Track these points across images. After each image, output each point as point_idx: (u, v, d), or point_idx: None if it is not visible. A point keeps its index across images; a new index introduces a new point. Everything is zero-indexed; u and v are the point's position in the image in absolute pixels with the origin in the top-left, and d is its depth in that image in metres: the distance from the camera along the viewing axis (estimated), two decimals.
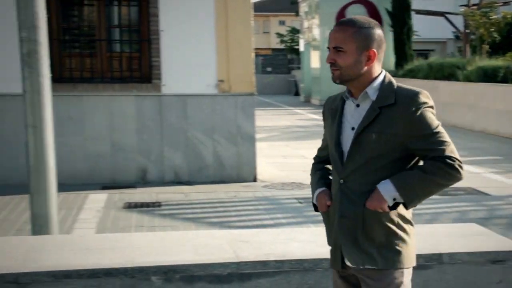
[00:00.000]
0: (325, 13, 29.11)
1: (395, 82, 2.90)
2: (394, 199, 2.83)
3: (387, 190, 2.82)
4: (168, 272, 4.09)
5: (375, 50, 2.83)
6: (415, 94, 2.82)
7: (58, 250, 4.44)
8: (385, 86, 2.86)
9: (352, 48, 2.80)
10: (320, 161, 3.20)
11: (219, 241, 4.60)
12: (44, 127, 5.37)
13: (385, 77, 2.90)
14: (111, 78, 9.43)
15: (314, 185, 3.12)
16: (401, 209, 2.88)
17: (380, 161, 2.85)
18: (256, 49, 7.81)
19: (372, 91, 2.86)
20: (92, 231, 6.84)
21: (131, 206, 7.98)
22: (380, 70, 2.90)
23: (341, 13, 28.27)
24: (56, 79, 8.47)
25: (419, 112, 2.80)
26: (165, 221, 7.33)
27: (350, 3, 28.93)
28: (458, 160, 2.81)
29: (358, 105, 2.90)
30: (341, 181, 2.91)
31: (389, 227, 2.87)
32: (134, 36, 9.71)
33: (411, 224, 2.94)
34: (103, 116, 9.32)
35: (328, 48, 2.87)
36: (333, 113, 2.99)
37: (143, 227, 7.00)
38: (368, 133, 2.83)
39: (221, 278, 4.13)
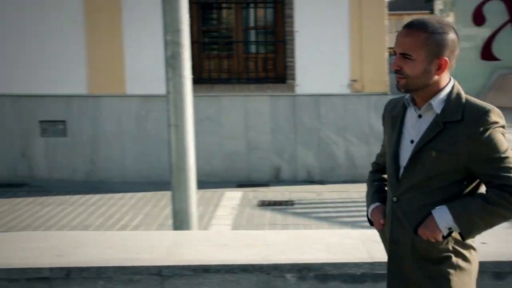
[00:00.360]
0: (461, 10, 28.17)
1: (464, 94, 2.59)
2: (450, 228, 2.52)
3: (443, 218, 2.51)
4: (302, 270, 4.13)
5: (447, 58, 2.52)
6: (486, 112, 2.49)
7: (197, 245, 4.60)
8: (453, 99, 2.55)
9: (422, 56, 2.50)
10: (378, 169, 2.94)
11: (352, 241, 4.59)
12: (185, 127, 5.57)
13: (453, 87, 2.59)
14: (247, 78, 9.62)
15: (369, 198, 2.86)
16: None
17: (438, 182, 2.54)
18: (390, 48, 7.71)
19: (437, 102, 2.56)
20: (228, 227, 7.02)
21: (265, 204, 8.11)
22: (448, 79, 2.60)
23: (478, 11, 27.32)
24: (196, 80, 8.75)
25: (487, 133, 2.47)
26: (298, 219, 7.40)
27: (488, 0, 27.93)
28: None
29: (420, 116, 2.60)
30: (394, 199, 2.64)
31: (444, 256, 2.57)
32: (270, 37, 9.86)
33: (473, 249, 2.63)
34: (239, 115, 9.53)
35: (394, 52, 2.58)
36: (393, 120, 2.70)
37: (277, 225, 7.10)
38: (428, 150, 2.53)
39: (355, 278, 4.13)
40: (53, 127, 9.10)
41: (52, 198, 7.98)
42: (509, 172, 2.48)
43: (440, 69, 2.53)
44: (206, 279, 4.10)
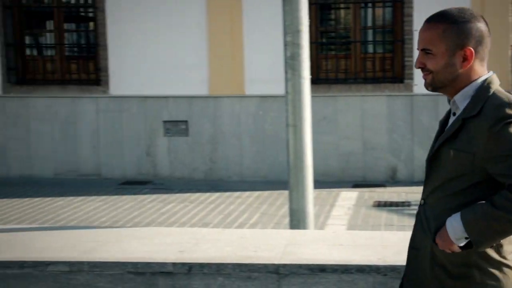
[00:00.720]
0: None
1: (496, 88, 2.31)
2: (466, 238, 2.25)
3: (454, 228, 2.26)
4: None
5: (472, 48, 2.28)
6: (502, 104, 2.22)
7: (313, 245, 4.63)
8: (479, 93, 2.29)
9: (442, 49, 2.29)
10: None
11: None
12: (303, 127, 5.61)
13: (485, 81, 2.32)
14: (364, 78, 9.56)
15: None
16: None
17: (458, 184, 2.30)
18: None
19: (461, 98, 2.33)
20: (343, 227, 7.01)
21: (381, 205, 8.04)
22: (483, 71, 2.34)
23: None
24: (313, 80, 8.79)
25: (502, 128, 2.19)
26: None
27: None
28: None
29: (454, 114, 2.38)
30: (422, 201, 2.44)
31: (465, 272, 2.29)
32: (388, 37, 9.75)
33: (507, 267, 2.28)
34: (355, 115, 9.49)
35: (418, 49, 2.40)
36: (440, 126, 2.48)
37: (393, 226, 7.02)
38: (447, 149, 2.31)
39: None
40: (176, 127, 9.40)
41: (174, 195, 8.26)
42: None
43: (466, 60, 2.29)
44: (322, 279, 4.12)
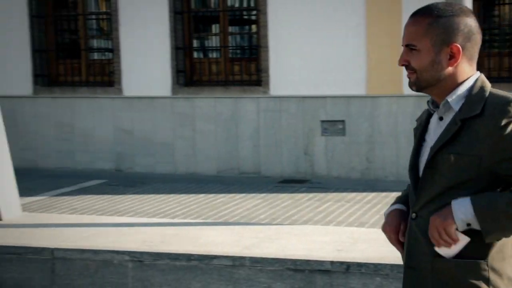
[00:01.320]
0: None
1: (490, 87, 2.14)
2: (469, 225, 2.02)
3: (461, 209, 2.02)
4: None
5: (459, 44, 2.09)
6: (508, 102, 2.04)
7: None
8: (474, 93, 2.11)
9: (427, 44, 2.10)
10: None
11: None
12: None
13: (476, 81, 2.14)
14: None
15: (396, 199, 2.43)
16: (495, 260, 2.04)
17: (460, 192, 2.06)
18: None
19: (455, 99, 2.12)
20: None
21: None
22: (472, 71, 2.16)
23: None
24: None
25: (510, 125, 2.01)
26: None
27: None
28: None
29: (441, 118, 2.17)
30: (413, 215, 2.18)
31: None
32: None
33: None
34: None
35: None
36: (417, 129, 2.30)
37: None
38: (445, 154, 2.08)
39: None
40: (333, 127, 9.47)
41: (330, 194, 8.33)
42: None
43: (453, 58, 2.10)
44: None
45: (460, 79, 2.13)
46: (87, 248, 5.48)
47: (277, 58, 9.53)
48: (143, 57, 9.88)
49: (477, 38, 2.15)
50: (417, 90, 2.16)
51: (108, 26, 10.47)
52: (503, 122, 2.01)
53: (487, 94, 2.10)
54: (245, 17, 10.30)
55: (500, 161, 2.03)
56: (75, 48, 10.63)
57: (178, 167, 9.94)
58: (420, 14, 2.13)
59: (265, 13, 9.52)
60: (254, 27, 10.02)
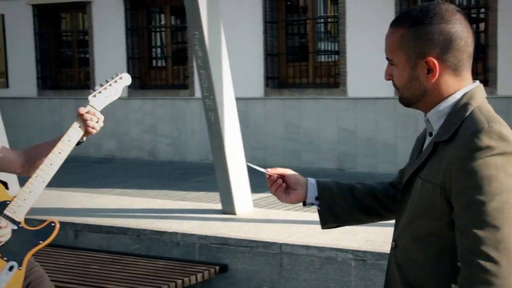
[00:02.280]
0: None
1: (476, 105, 1.79)
2: None
3: None
4: None
5: (435, 57, 1.78)
6: (476, 132, 1.69)
7: None
8: (455, 112, 1.80)
9: (402, 59, 1.83)
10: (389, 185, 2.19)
11: None
12: None
13: (463, 96, 1.81)
14: None
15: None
16: None
17: (426, 224, 1.78)
18: None
19: (435, 116, 1.85)
20: None
21: None
22: (460, 83, 1.82)
23: None
24: None
25: (472, 162, 1.66)
26: None
27: None
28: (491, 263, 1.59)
29: (431, 134, 1.89)
30: (393, 243, 1.94)
31: None
32: None
33: None
34: None
35: None
36: (416, 145, 2.00)
37: None
38: (416, 178, 1.84)
39: None
40: None
41: None
42: (473, 228, 1.64)
43: (431, 72, 1.81)
44: None
45: (445, 93, 1.84)
46: (313, 244, 5.62)
47: (506, 57, 9.05)
48: (368, 58, 9.90)
49: (460, 44, 1.81)
50: (405, 106, 1.94)
51: (335, 28, 10.64)
52: (464, 152, 1.70)
53: (467, 114, 1.79)
54: (473, 15, 9.91)
55: (452, 192, 1.73)
56: (304, 51, 10.94)
57: (399, 167, 9.83)
58: (395, 25, 1.88)
59: (495, 11, 9.09)
60: (482, 25, 9.61)
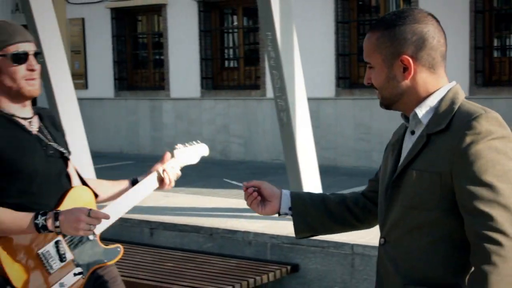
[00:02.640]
0: None
1: (462, 100, 1.88)
2: None
3: None
4: None
5: (409, 55, 1.88)
6: (475, 118, 1.79)
7: None
8: (443, 106, 1.89)
9: (379, 60, 1.93)
10: (359, 195, 2.25)
11: None
12: None
13: (448, 92, 1.91)
14: None
15: None
16: None
17: (422, 215, 1.84)
18: None
19: (423, 111, 1.91)
20: None
21: None
22: (439, 81, 1.91)
23: None
24: None
25: (474, 146, 1.76)
26: None
27: None
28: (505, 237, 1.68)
29: (412, 132, 1.96)
30: (381, 240, 1.98)
31: None
32: None
33: None
34: None
35: None
36: (393, 146, 2.04)
37: None
38: (409, 171, 1.88)
39: None
40: None
41: None
42: (485, 208, 1.72)
43: (407, 70, 1.89)
44: None
45: (423, 91, 1.91)
46: None
47: None
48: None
49: (433, 43, 1.89)
50: (386, 108, 2.00)
51: None
52: (466, 137, 1.78)
53: (456, 107, 1.87)
54: None
55: (457, 184, 1.79)
56: None
57: None
58: (372, 29, 1.96)
59: None
60: None
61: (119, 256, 2.80)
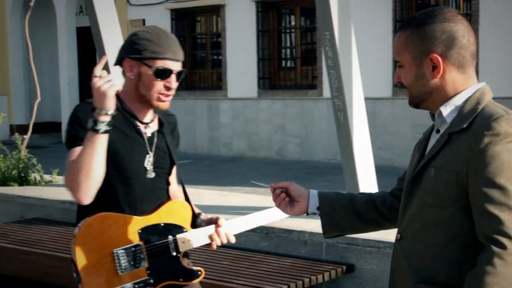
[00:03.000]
0: None
1: (488, 100, 1.87)
2: None
3: None
4: None
5: (439, 53, 1.86)
6: (495, 119, 1.79)
7: None
8: (468, 106, 1.87)
9: (408, 59, 1.93)
10: (387, 194, 2.23)
11: None
12: None
13: (475, 92, 1.89)
14: None
15: None
16: None
17: (438, 212, 1.84)
18: None
19: (448, 110, 1.91)
20: None
21: None
22: (468, 80, 1.90)
23: None
24: None
25: (491, 147, 1.76)
26: None
27: None
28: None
29: (438, 131, 1.96)
30: (398, 236, 1.97)
31: None
32: None
33: None
34: None
35: None
36: (420, 144, 2.05)
37: None
38: (428, 169, 1.88)
39: None
40: None
41: None
42: (494, 211, 1.73)
43: (436, 69, 1.88)
44: None
45: (452, 90, 1.90)
46: None
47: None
48: (503, 55, 9.43)
49: (463, 42, 1.87)
50: (415, 107, 1.99)
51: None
52: (484, 138, 1.77)
53: (480, 107, 1.85)
54: None
55: (470, 177, 1.79)
56: None
57: None
58: (401, 28, 1.96)
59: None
60: None
61: (197, 280, 2.67)
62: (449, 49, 1.87)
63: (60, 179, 8.29)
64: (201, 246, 2.79)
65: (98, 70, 2.32)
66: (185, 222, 2.61)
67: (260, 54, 12.21)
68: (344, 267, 5.66)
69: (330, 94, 6.62)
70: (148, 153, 2.56)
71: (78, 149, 2.38)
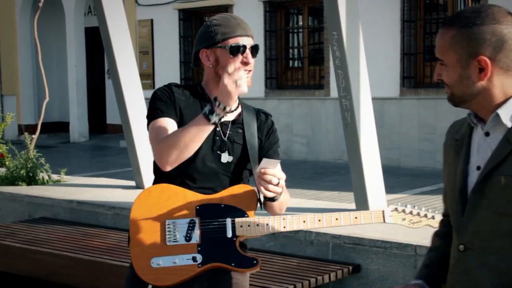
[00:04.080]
0: None
1: None
2: None
3: None
4: None
5: (487, 56, 1.79)
6: None
7: None
8: None
9: (452, 59, 1.85)
10: (443, 230, 2.11)
11: None
12: None
13: None
14: None
15: (418, 271, 2.11)
16: None
17: None
18: None
19: (506, 112, 1.82)
20: None
21: None
22: None
23: None
24: None
25: None
26: None
27: None
28: None
29: (487, 134, 1.87)
30: (461, 247, 1.86)
31: None
32: None
33: None
34: None
35: None
36: (457, 145, 1.97)
37: None
38: (495, 177, 1.79)
39: None
40: None
41: None
42: None
43: (483, 71, 1.81)
44: None
45: (500, 93, 1.83)
46: None
47: None
48: None
49: None
50: (455, 106, 1.91)
51: None
52: None
53: None
54: None
55: None
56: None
57: None
58: (446, 26, 1.86)
59: None
60: None
61: (251, 269, 2.51)
62: (498, 52, 1.80)
63: (67, 178, 8.30)
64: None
65: (231, 68, 2.35)
66: (249, 208, 2.54)
67: (267, 54, 12.20)
68: (351, 267, 5.64)
69: (338, 94, 6.60)
70: (212, 140, 2.54)
71: (160, 120, 2.48)
